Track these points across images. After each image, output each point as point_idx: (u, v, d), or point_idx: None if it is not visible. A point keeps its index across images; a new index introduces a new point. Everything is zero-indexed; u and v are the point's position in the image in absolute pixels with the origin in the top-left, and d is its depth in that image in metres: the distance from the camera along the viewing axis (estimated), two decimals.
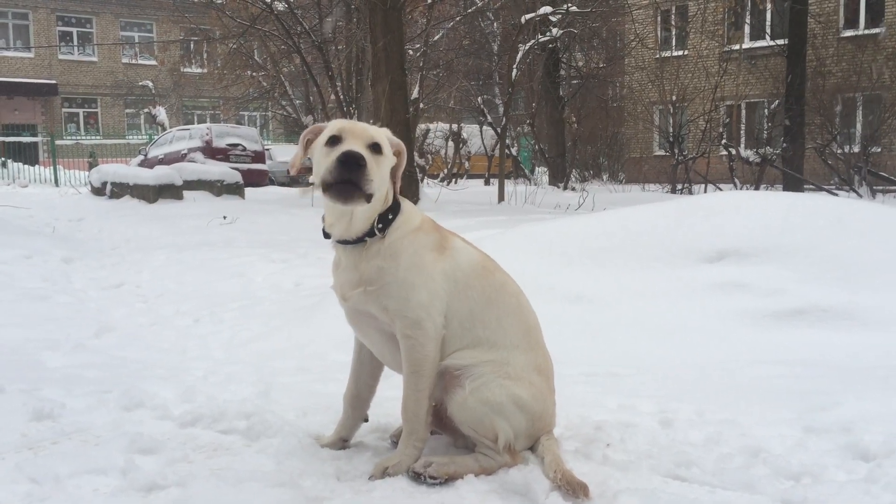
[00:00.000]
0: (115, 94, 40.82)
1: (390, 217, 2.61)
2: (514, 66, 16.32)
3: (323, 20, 16.90)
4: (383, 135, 2.60)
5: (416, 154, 14.08)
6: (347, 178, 2.38)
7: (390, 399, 2.85)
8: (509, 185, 17.10)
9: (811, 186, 15.57)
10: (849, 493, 2.37)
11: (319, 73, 18.01)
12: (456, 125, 27.58)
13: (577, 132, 24.22)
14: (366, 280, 2.57)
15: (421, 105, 17.15)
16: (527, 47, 16.95)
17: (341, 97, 16.81)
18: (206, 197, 15.02)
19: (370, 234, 2.58)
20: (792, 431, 2.94)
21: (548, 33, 18.18)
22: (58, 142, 29.88)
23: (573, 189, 20.10)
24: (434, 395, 2.60)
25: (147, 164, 21.93)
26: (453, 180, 25.42)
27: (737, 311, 4.87)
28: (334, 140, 2.49)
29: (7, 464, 2.54)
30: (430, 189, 16.16)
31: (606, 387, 3.80)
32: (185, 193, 14.83)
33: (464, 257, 2.69)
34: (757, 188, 16.79)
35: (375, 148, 2.51)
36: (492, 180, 24.22)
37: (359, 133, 2.50)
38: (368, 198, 2.43)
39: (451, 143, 27.70)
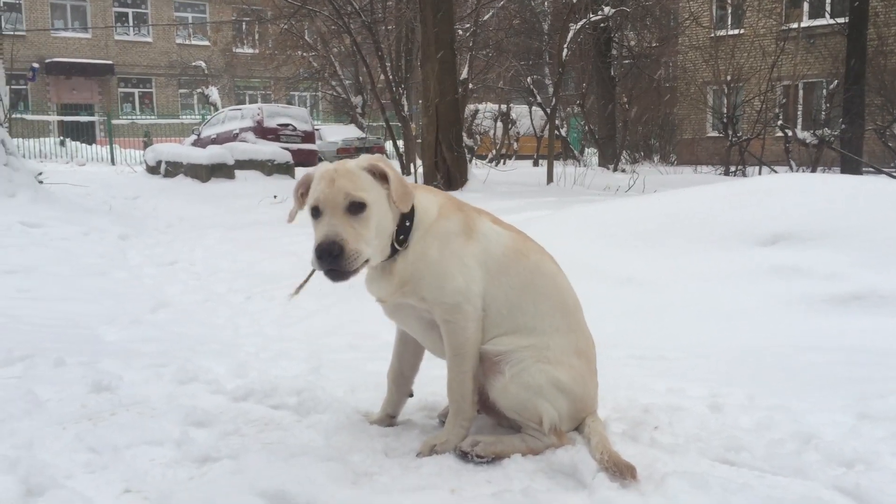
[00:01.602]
0: (169, 74, 41.48)
1: (407, 224, 2.57)
2: (565, 45, 16.11)
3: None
4: (363, 180, 2.47)
5: (464, 135, 14.03)
6: (331, 268, 2.37)
7: (436, 378, 2.86)
8: (558, 167, 16.96)
9: (870, 169, 15.16)
10: None
11: (369, 53, 18.07)
12: (505, 106, 27.42)
13: (628, 113, 23.87)
14: (402, 282, 2.57)
15: (470, 85, 17.10)
16: (578, 26, 16.73)
17: (390, 77, 16.83)
18: (257, 176, 15.23)
19: (394, 249, 2.57)
20: (845, 418, 2.89)
21: (599, 12, 17.94)
22: (114, 121, 30.54)
23: (623, 171, 19.85)
24: (477, 377, 2.61)
25: (200, 143, 22.26)
26: (502, 161, 25.32)
27: (791, 295, 4.78)
28: (315, 212, 2.45)
29: (68, 434, 2.63)
30: (478, 170, 16.10)
31: (655, 370, 3.78)
32: (237, 173, 15.05)
33: (494, 242, 2.65)
34: (814, 170, 16.41)
35: (356, 208, 2.42)
36: (541, 161, 24.03)
37: (335, 200, 2.40)
38: (362, 266, 2.43)
39: (499, 124, 27.56)
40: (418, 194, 2.66)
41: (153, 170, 15.84)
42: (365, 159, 2.57)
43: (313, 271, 2.67)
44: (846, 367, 3.70)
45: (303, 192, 2.62)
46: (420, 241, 2.58)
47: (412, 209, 2.59)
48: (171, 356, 3.82)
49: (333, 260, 2.35)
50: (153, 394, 3.12)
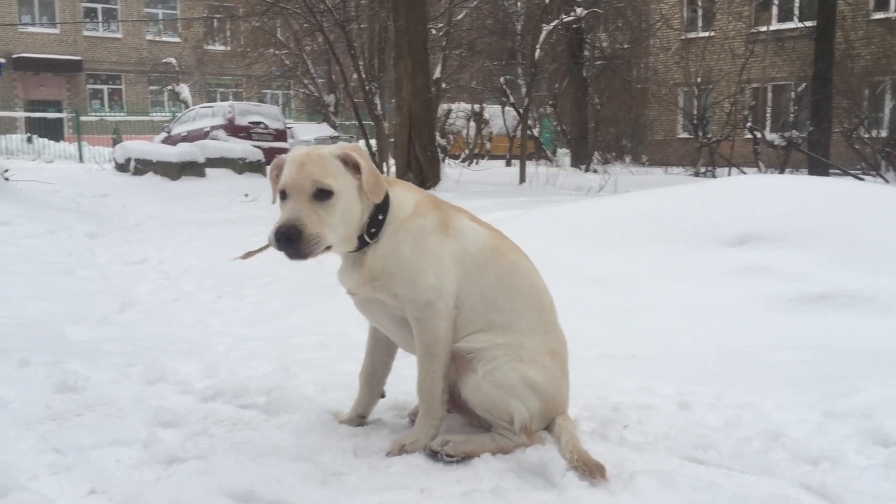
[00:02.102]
0: (139, 70, 41.00)
1: (381, 217, 2.57)
2: (538, 46, 16.17)
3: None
4: (333, 168, 2.47)
5: (437, 134, 14.02)
6: (290, 250, 2.38)
7: (408, 378, 2.86)
8: (531, 167, 17.01)
9: (837, 171, 15.37)
10: (868, 478, 2.36)
11: (342, 52, 17.98)
12: (478, 105, 27.43)
13: (599, 114, 24.00)
14: (372, 276, 2.57)
15: (443, 85, 17.07)
16: (550, 27, 16.78)
17: (363, 76, 16.77)
18: (229, 174, 15.12)
19: (364, 241, 2.56)
20: (812, 416, 2.93)
21: (572, 13, 18.02)
22: (82, 118, 30.11)
23: (595, 171, 19.95)
24: (448, 376, 2.61)
25: (170, 141, 22.05)
26: (475, 161, 25.33)
27: (759, 295, 4.83)
28: (283, 195, 2.46)
29: (32, 434, 2.59)
30: (451, 169, 16.10)
31: (625, 369, 3.80)
32: (208, 171, 14.93)
33: (471, 240, 2.64)
34: (782, 172, 16.61)
35: (322, 194, 2.42)
36: (513, 161, 24.10)
37: (302, 185, 2.41)
38: (321, 251, 2.43)
39: (472, 124, 27.57)
40: (395, 189, 2.65)
41: (122, 167, 15.66)
42: (338, 147, 2.56)
43: (267, 245, 2.67)
44: (812, 366, 3.75)
45: (277, 174, 2.62)
46: (392, 235, 2.58)
47: (387, 203, 2.59)
48: (138, 356, 3.78)
49: (291, 244, 2.36)
50: (120, 394, 3.09)
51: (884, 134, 17.16)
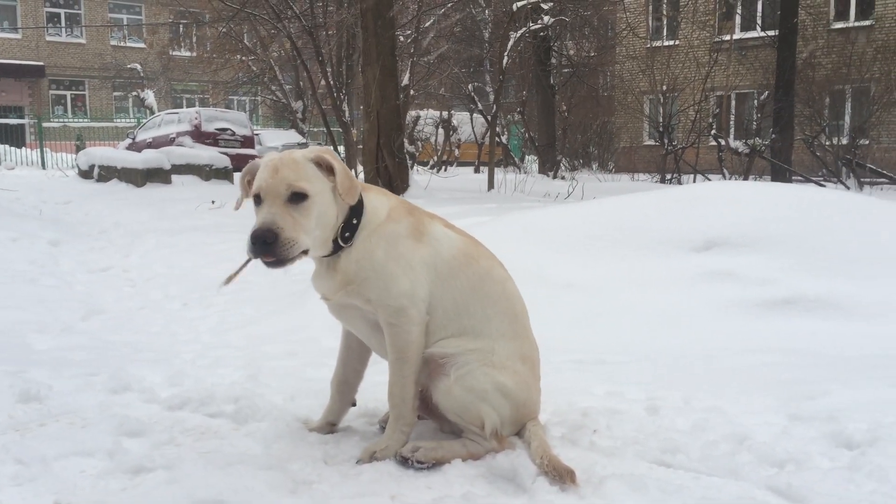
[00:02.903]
0: (103, 76, 40.46)
1: (354, 222, 2.57)
2: (505, 53, 16.25)
3: (313, 5, 16.81)
4: (307, 171, 2.47)
5: (406, 141, 14.02)
6: (266, 256, 2.37)
7: (378, 384, 2.85)
8: (499, 173, 17.07)
9: (799, 177, 15.64)
10: (832, 481, 2.39)
11: (310, 58, 17.92)
12: (446, 112, 27.50)
13: (567, 121, 24.18)
14: (346, 281, 2.57)
15: (411, 92, 17.08)
16: (518, 35, 16.88)
17: (331, 82, 16.73)
18: (195, 181, 14.95)
19: (338, 246, 2.57)
20: (777, 419, 2.97)
21: (539, 21, 18.13)
22: (45, 124, 29.63)
23: (563, 178, 20.07)
24: (419, 381, 2.61)
25: (135, 147, 21.75)
26: (443, 168, 25.37)
27: (725, 300, 4.89)
28: (257, 199, 2.46)
29: None
30: (419, 176, 16.12)
31: (594, 374, 3.82)
32: (174, 178, 14.76)
33: (445, 246, 2.65)
34: (745, 178, 16.84)
35: (297, 197, 2.42)
36: (481, 168, 24.18)
37: (276, 189, 2.41)
38: (298, 256, 2.42)
39: (441, 131, 27.62)
40: (369, 194, 2.66)
41: (86, 174, 15.42)
42: (312, 150, 2.56)
43: (248, 260, 2.67)
44: (778, 370, 3.80)
45: (249, 179, 2.61)
46: (366, 240, 2.57)
47: (361, 208, 2.59)
48: (103, 365, 3.72)
49: (268, 247, 2.35)
50: (84, 403, 3.04)
51: (844, 141, 17.48)
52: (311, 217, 2.44)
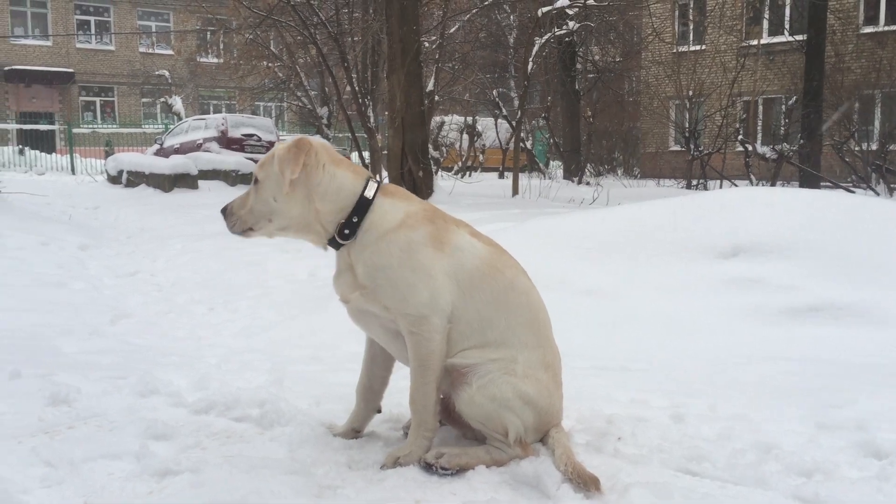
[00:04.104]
0: (131, 83, 40.97)
1: (355, 220, 2.61)
2: (530, 59, 16.22)
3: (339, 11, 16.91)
4: (269, 158, 2.66)
5: (430, 146, 14.04)
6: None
7: (402, 390, 2.85)
8: (523, 179, 17.05)
9: (828, 184, 15.44)
10: (861, 491, 2.36)
11: (335, 64, 18.00)
12: (471, 118, 27.50)
13: (592, 126, 24.09)
14: (358, 283, 2.59)
15: (436, 97, 17.11)
16: (543, 40, 16.85)
17: (357, 88, 16.80)
18: (221, 186, 15.12)
19: (341, 238, 2.63)
20: (804, 428, 2.93)
21: (564, 27, 18.10)
22: (75, 130, 30.05)
23: (588, 183, 19.99)
24: (441, 389, 2.61)
25: (163, 153, 21.99)
26: (467, 173, 25.38)
27: (751, 307, 4.85)
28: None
29: (24, 447, 2.57)
30: (444, 181, 16.15)
31: (618, 381, 3.80)
32: (200, 183, 14.92)
33: (468, 256, 2.62)
34: (773, 184, 16.68)
35: (255, 181, 2.71)
36: (506, 173, 24.12)
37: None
38: (242, 231, 2.73)
39: (465, 136, 27.64)
40: (384, 197, 2.66)
41: (114, 179, 15.63)
42: (284, 144, 2.69)
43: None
44: (804, 378, 3.76)
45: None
46: (375, 243, 2.59)
47: (364, 206, 2.61)
48: (130, 368, 3.76)
49: (223, 216, 2.76)
50: (112, 407, 3.06)
51: (874, 147, 17.24)
52: (258, 200, 2.68)
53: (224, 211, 2.75)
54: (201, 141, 21.96)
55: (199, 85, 38.91)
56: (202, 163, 15.50)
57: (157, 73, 38.62)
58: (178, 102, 35.12)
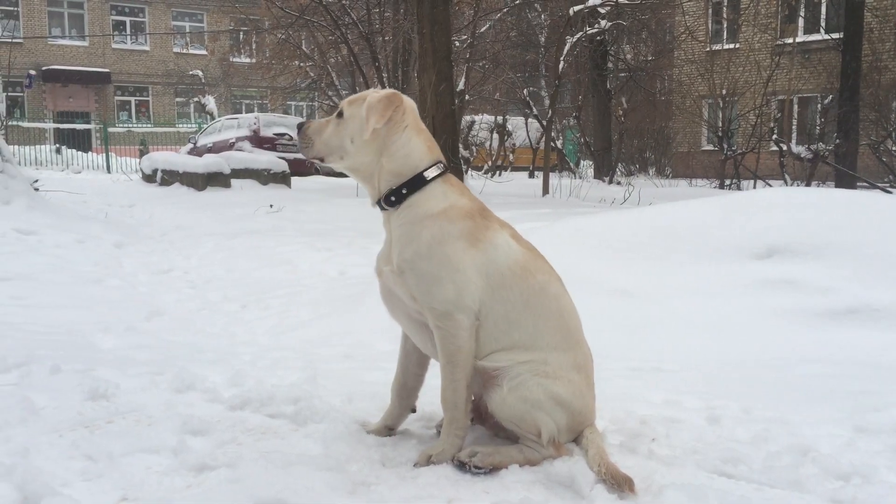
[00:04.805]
0: (165, 83, 41.50)
1: (404, 192, 2.64)
2: (561, 58, 16.19)
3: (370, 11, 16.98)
4: (361, 101, 2.69)
5: (460, 146, 14.06)
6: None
7: (435, 388, 2.86)
8: (554, 178, 17.00)
9: (864, 184, 15.21)
10: None
11: (366, 64, 18.09)
12: (501, 117, 27.48)
13: (623, 125, 23.95)
14: (393, 257, 2.63)
15: (466, 97, 17.13)
16: (574, 39, 16.81)
17: (387, 88, 16.87)
18: (253, 185, 15.22)
19: (385, 204, 2.68)
20: (842, 431, 2.90)
21: (596, 25, 18.03)
22: (110, 129, 30.50)
23: (619, 183, 19.89)
24: (472, 388, 2.61)
25: (196, 152, 22.24)
26: (497, 172, 25.36)
27: (786, 308, 4.79)
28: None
29: (64, 441, 2.62)
30: (474, 181, 16.14)
31: (651, 382, 3.78)
32: (233, 182, 15.03)
33: (502, 255, 2.61)
34: (808, 185, 16.47)
35: (340, 115, 2.74)
36: (536, 173, 24.09)
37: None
38: (313, 156, 2.77)
39: (495, 136, 27.61)
40: (437, 182, 2.67)
41: (149, 178, 15.81)
42: (373, 92, 2.74)
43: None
44: (841, 381, 3.71)
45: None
46: (409, 224, 2.61)
47: (417, 183, 2.64)
48: (166, 364, 3.81)
49: (299, 132, 2.81)
50: (149, 402, 3.11)
51: None
52: (336, 134, 2.71)
53: (300, 127, 2.79)
54: (234, 140, 22.17)
55: (232, 84, 39.30)
56: (235, 162, 15.62)
57: (190, 72, 39.07)
58: (211, 102, 35.51)
